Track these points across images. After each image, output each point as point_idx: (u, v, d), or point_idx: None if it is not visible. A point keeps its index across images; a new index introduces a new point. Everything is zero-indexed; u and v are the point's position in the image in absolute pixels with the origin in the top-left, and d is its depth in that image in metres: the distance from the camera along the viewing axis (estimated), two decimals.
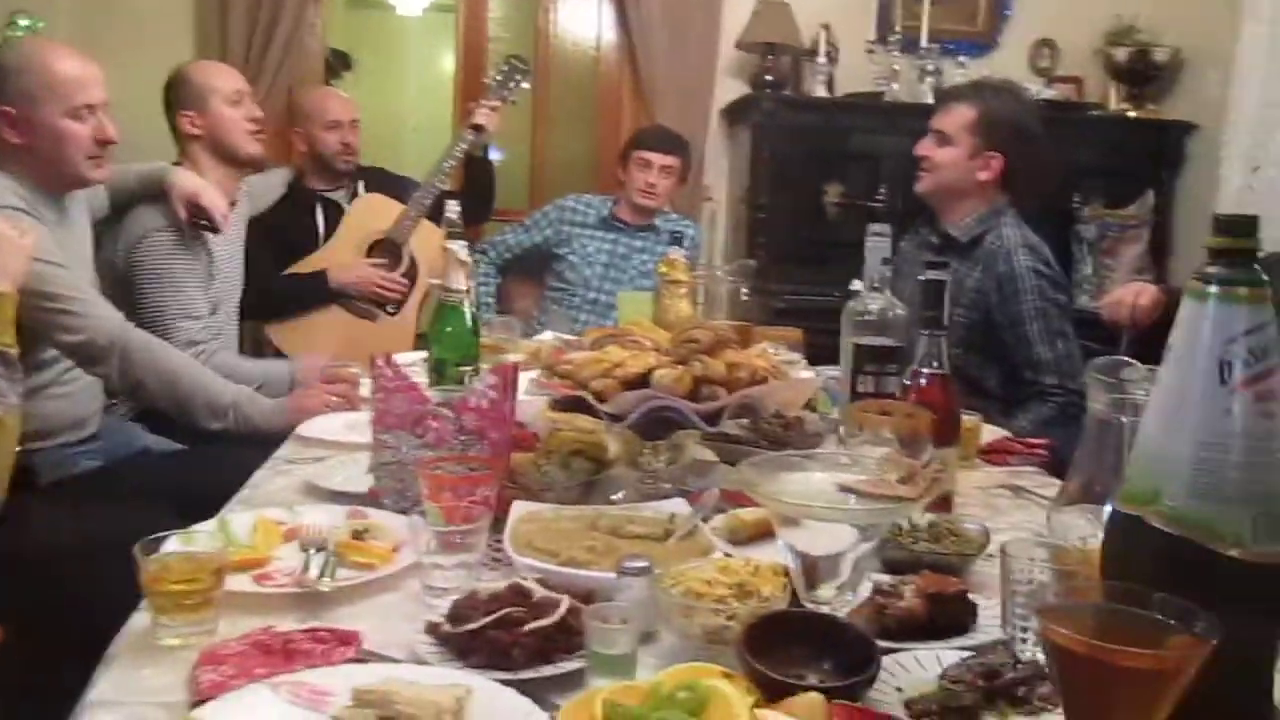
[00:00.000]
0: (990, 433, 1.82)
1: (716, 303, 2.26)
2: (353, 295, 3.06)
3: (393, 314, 3.11)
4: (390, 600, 1.11)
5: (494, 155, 3.44)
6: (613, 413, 1.25)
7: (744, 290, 2.28)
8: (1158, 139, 4.03)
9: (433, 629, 0.96)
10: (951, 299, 2.28)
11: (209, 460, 1.91)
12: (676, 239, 2.41)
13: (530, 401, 1.41)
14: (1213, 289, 0.75)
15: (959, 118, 2.38)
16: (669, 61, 3.99)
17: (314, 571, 1.13)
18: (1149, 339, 2.21)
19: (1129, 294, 2.23)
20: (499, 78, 3.23)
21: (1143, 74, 4.05)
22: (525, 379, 1.37)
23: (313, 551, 1.17)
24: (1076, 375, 2.24)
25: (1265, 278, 0.75)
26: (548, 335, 2.54)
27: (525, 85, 3.25)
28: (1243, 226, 0.76)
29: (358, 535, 1.22)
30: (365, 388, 1.90)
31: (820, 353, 2.13)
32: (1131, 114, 4.06)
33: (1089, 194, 3.92)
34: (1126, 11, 4.10)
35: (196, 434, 2.06)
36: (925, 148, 2.43)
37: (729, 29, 4.03)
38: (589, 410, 1.27)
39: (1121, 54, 4.04)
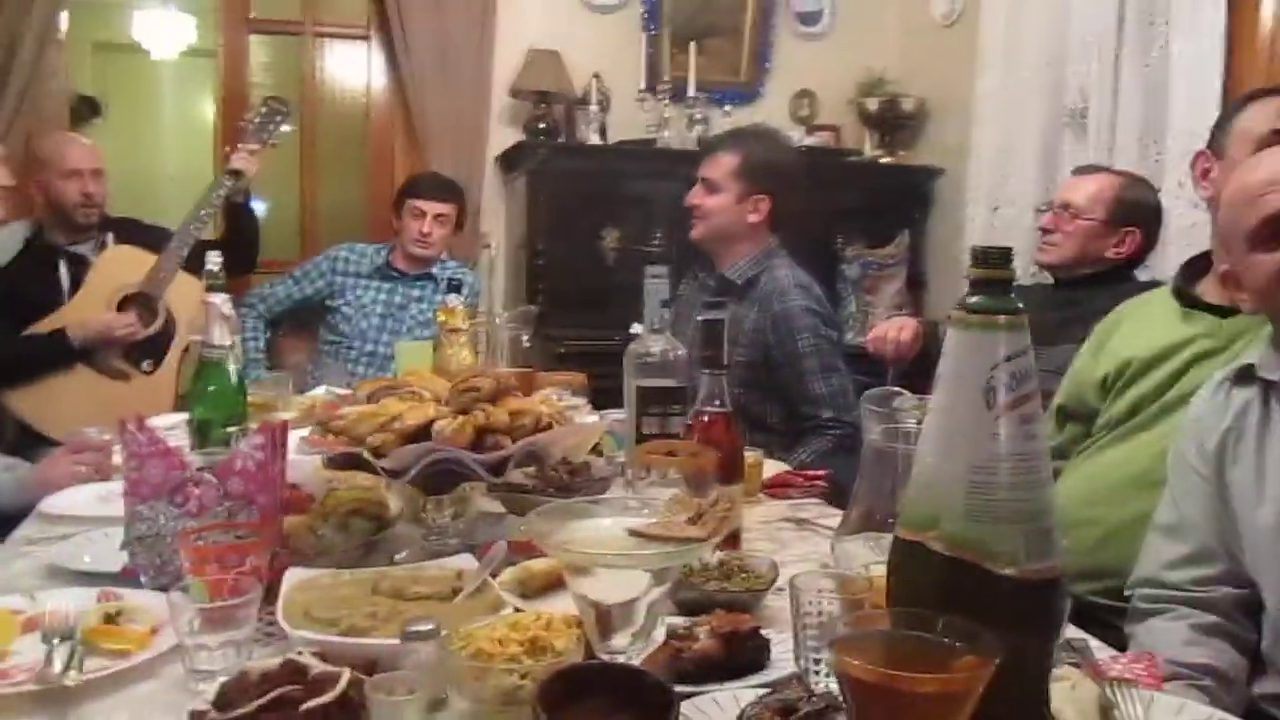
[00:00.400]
0: (771, 467, 1.86)
1: (498, 350, 2.21)
2: (96, 349, 2.83)
3: (148, 372, 2.91)
4: (149, 689, 1.00)
5: (257, 203, 3.29)
6: (392, 468, 1.19)
7: (525, 336, 2.25)
8: (909, 182, 4.31)
9: (198, 718, 0.87)
10: (731, 339, 2.33)
11: None
12: (455, 286, 2.36)
13: (303, 461, 1.33)
14: (975, 318, 0.77)
15: (724, 165, 2.46)
16: (442, 108, 3.95)
17: (57, 665, 1.00)
18: (913, 370, 2.34)
19: (891, 329, 2.35)
20: (258, 120, 3.08)
21: (893, 122, 4.32)
22: (296, 437, 1.29)
23: (56, 642, 1.04)
24: (850, 408, 2.33)
25: (1020, 305, 0.78)
26: (321, 390, 2.43)
27: (286, 128, 3.12)
28: (998, 258, 0.79)
29: (110, 619, 1.10)
30: (118, 455, 1.75)
31: (604, 396, 2.12)
32: (885, 160, 4.32)
33: (850, 235, 4.14)
34: (876, 64, 4.38)
35: None
36: (696, 196, 2.50)
37: (501, 76, 4.03)
38: (366, 467, 1.21)
39: (873, 104, 4.30)
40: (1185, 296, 1.75)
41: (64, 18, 3.72)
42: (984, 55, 3.72)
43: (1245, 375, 1.42)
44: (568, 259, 3.81)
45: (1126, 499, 1.67)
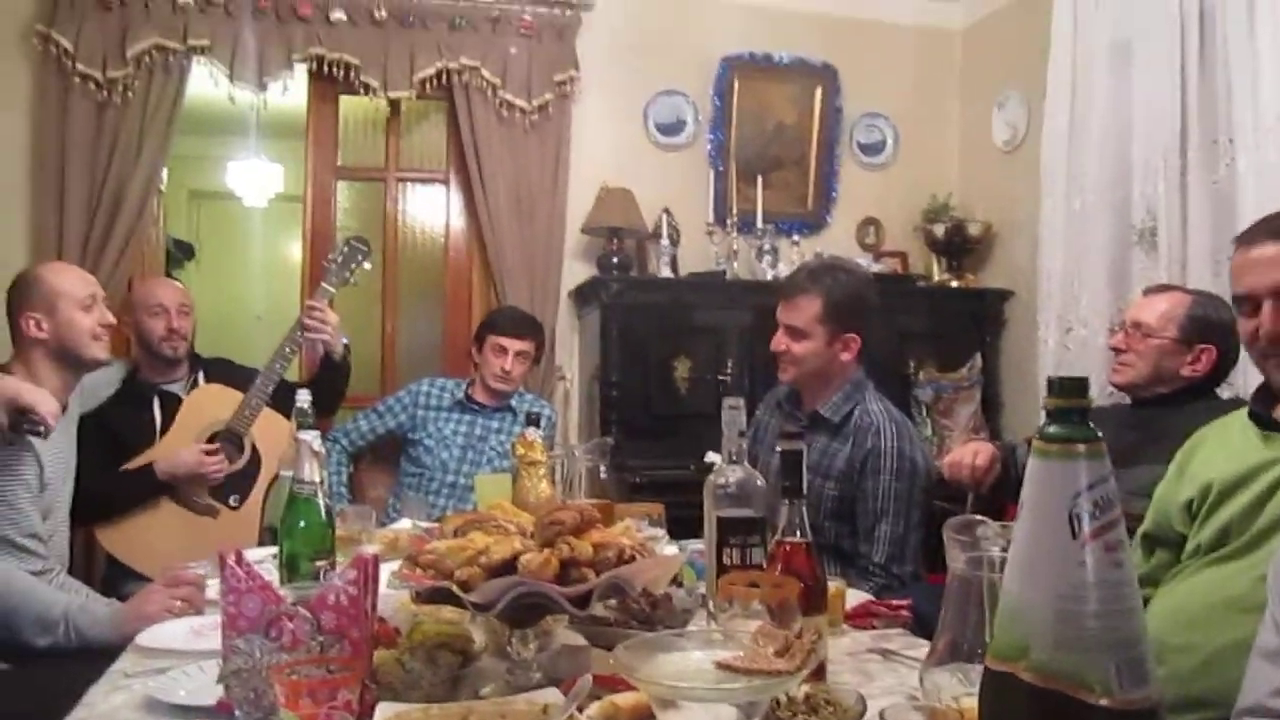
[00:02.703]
0: (854, 596, 1.84)
1: (575, 481, 2.25)
2: (183, 483, 2.91)
3: (235, 507, 2.98)
4: None
5: (343, 340, 3.39)
6: (479, 602, 1.21)
7: (601, 467, 2.28)
8: (979, 305, 4.32)
9: None
10: (824, 474, 2.35)
11: (36, 681, 1.75)
12: (533, 420, 2.41)
13: (390, 595, 1.36)
14: (1054, 448, 0.79)
15: (807, 310, 2.42)
16: (517, 245, 4.09)
17: None
18: (991, 495, 2.32)
19: (967, 454, 2.33)
20: (339, 259, 3.19)
21: (960, 247, 4.36)
22: (385, 571, 1.32)
23: None
24: (903, 561, 2.29)
25: (1099, 433, 0.79)
26: (404, 523, 2.47)
27: (367, 265, 3.22)
28: (1074, 387, 0.80)
29: None
30: (211, 589, 1.79)
31: (680, 525, 2.13)
32: (953, 284, 4.35)
33: (922, 359, 4.14)
34: (940, 190, 4.44)
35: (22, 652, 1.89)
36: (782, 343, 2.46)
37: (575, 213, 4.17)
38: (453, 600, 1.23)
39: (939, 229, 4.36)
40: (1262, 420, 1.73)
41: (165, 169, 3.97)
42: (1047, 179, 3.76)
43: None
44: (640, 390, 3.87)
45: (1225, 624, 1.62)
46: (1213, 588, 1.69)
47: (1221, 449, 1.79)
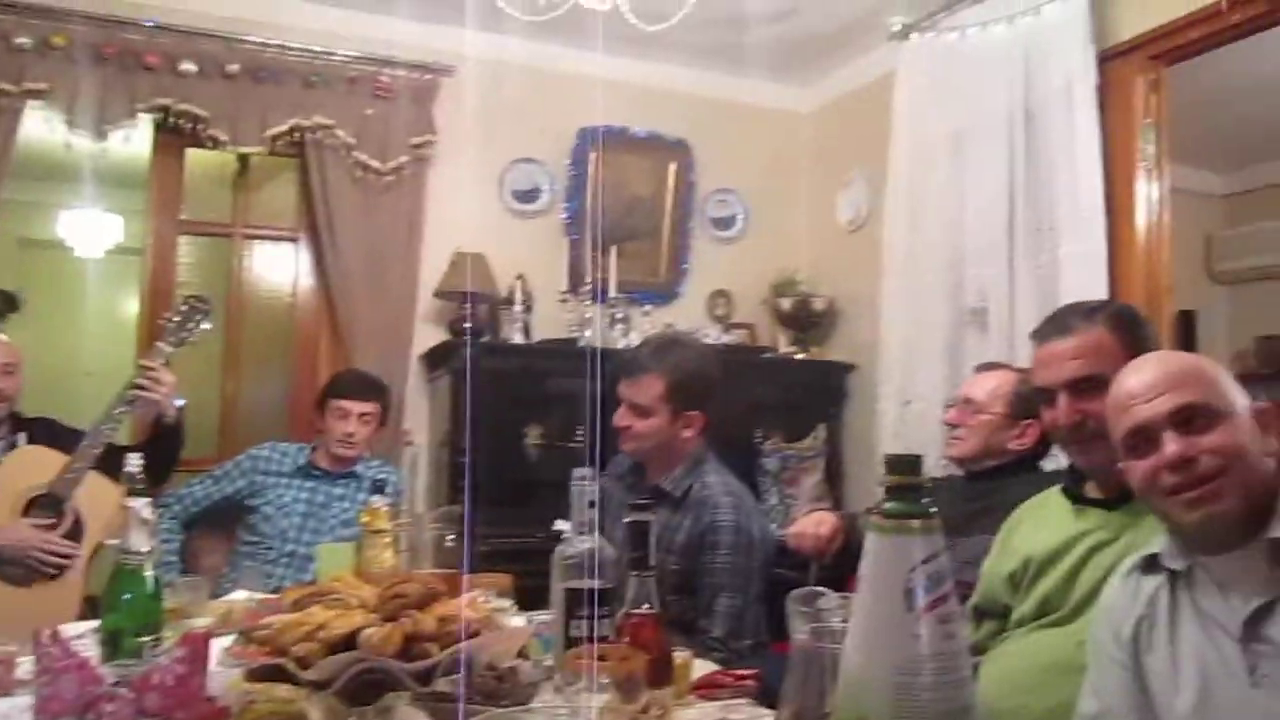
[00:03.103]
0: (700, 667, 1.85)
1: (421, 551, 2.20)
2: (5, 560, 2.72)
3: (54, 576, 2.80)
4: None
5: (178, 403, 3.24)
6: (316, 679, 1.16)
7: (449, 536, 2.24)
8: (824, 378, 4.46)
9: None
10: (665, 548, 2.36)
11: None
12: (378, 486, 2.35)
13: (222, 673, 1.30)
14: (890, 524, 0.82)
15: (650, 389, 2.43)
16: (368, 307, 4.02)
17: None
18: (835, 563, 2.37)
19: (810, 524, 2.38)
20: (177, 318, 3.08)
21: (806, 320, 4.51)
22: (217, 647, 1.26)
23: None
24: (741, 635, 2.30)
25: (934, 509, 0.83)
26: (240, 594, 2.36)
27: (206, 325, 3.10)
28: (909, 465, 0.84)
29: None
30: (22, 668, 1.67)
31: (530, 594, 2.11)
32: (799, 356, 4.48)
33: (769, 429, 4.24)
34: (788, 265, 4.60)
35: None
36: (625, 419, 2.47)
37: (428, 277, 4.13)
38: (289, 678, 1.18)
39: (786, 303, 4.50)
40: (1074, 495, 1.85)
41: None
42: (888, 258, 3.94)
43: (1152, 564, 1.49)
44: (490, 457, 3.82)
45: (1052, 686, 1.69)
46: (1039, 652, 1.77)
47: (1038, 524, 1.90)
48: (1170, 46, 3.23)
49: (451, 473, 3.88)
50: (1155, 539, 1.52)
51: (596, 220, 4.36)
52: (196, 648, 1.18)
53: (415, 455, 4.10)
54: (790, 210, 4.79)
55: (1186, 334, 5.37)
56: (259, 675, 1.23)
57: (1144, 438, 1.42)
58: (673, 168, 4.58)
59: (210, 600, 2.18)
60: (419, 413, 4.17)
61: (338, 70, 4.04)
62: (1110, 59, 3.32)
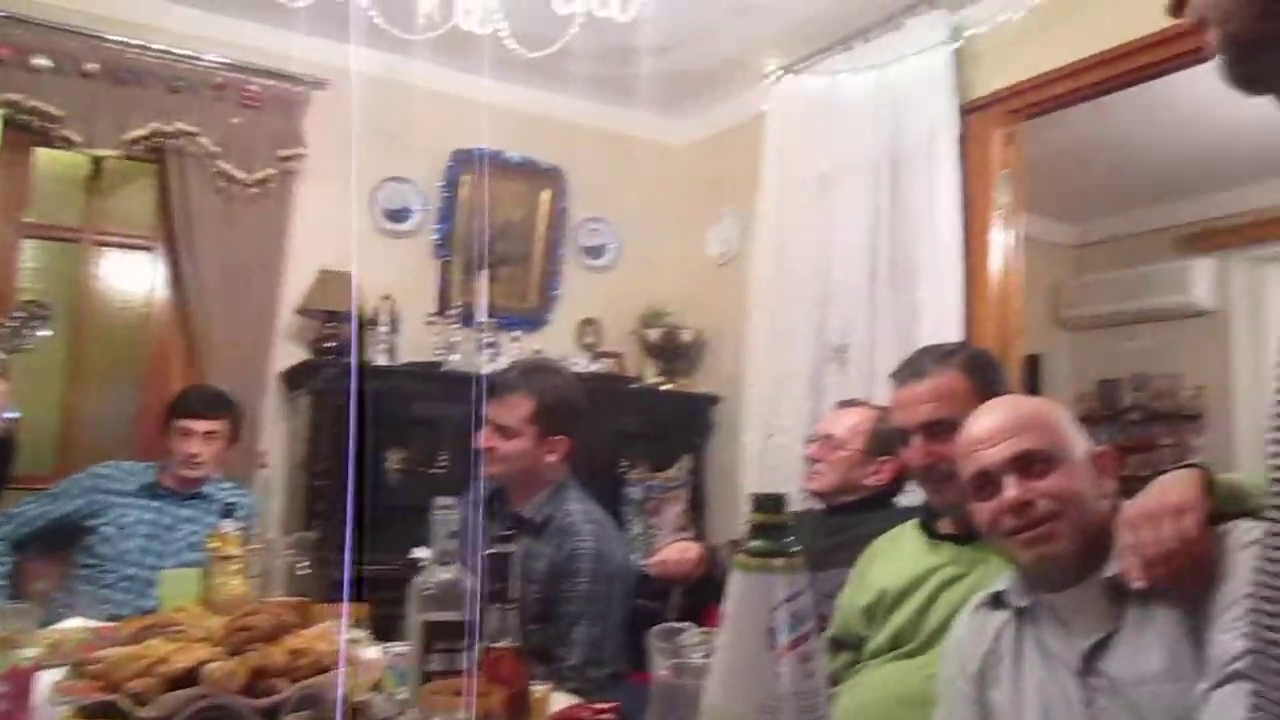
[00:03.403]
0: (560, 699, 1.83)
1: (273, 578, 2.12)
2: None
3: None
4: None
5: (10, 415, 3.05)
6: (153, 717, 1.10)
7: (302, 564, 2.16)
8: (690, 409, 4.51)
9: None
10: (527, 576, 2.33)
11: None
12: (229, 510, 2.26)
13: (49, 711, 1.22)
14: (755, 562, 0.82)
15: (518, 410, 2.42)
16: (226, 323, 3.87)
17: None
18: (695, 591, 2.39)
19: (674, 552, 2.40)
20: (12, 324, 2.90)
21: (673, 351, 4.55)
22: (46, 681, 1.18)
23: None
24: (601, 664, 2.29)
25: (798, 548, 0.84)
26: (74, 622, 2.23)
27: (45, 333, 2.93)
28: (773, 503, 0.85)
29: None
30: None
31: (387, 624, 2.05)
32: (666, 387, 4.51)
33: (635, 459, 4.25)
34: (657, 297, 4.63)
35: None
36: (490, 440, 2.45)
37: (291, 294, 4.01)
38: (123, 717, 1.12)
39: (654, 334, 4.53)
40: (928, 530, 1.92)
41: None
42: (755, 293, 4.02)
43: (999, 600, 1.54)
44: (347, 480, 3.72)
45: (901, 718, 1.74)
46: (891, 683, 1.82)
47: (893, 557, 1.96)
48: (1027, 102, 3.39)
49: (308, 496, 3.76)
50: (1003, 576, 1.57)
51: (471, 243, 4.32)
52: (20, 683, 1.10)
53: (269, 478, 3.96)
54: (661, 242, 4.83)
55: (1033, 377, 5.64)
56: (91, 713, 1.16)
57: (987, 480, 1.49)
58: (546, 194, 4.57)
59: (40, 629, 2.05)
60: (276, 434, 4.04)
61: (204, 76, 3.90)
62: (971, 111, 3.46)
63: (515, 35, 2.84)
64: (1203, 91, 3.66)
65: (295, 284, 4.01)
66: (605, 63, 3.95)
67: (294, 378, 4.00)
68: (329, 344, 3.92)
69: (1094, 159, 4.93)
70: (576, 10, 2.69)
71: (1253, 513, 1.26)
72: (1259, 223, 5.37)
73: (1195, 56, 2.62)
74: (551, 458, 2.45)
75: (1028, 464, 1.46)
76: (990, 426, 1.52)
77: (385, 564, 3.16)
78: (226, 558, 2.01)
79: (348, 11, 2.62)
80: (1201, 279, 5.62)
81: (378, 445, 3.79)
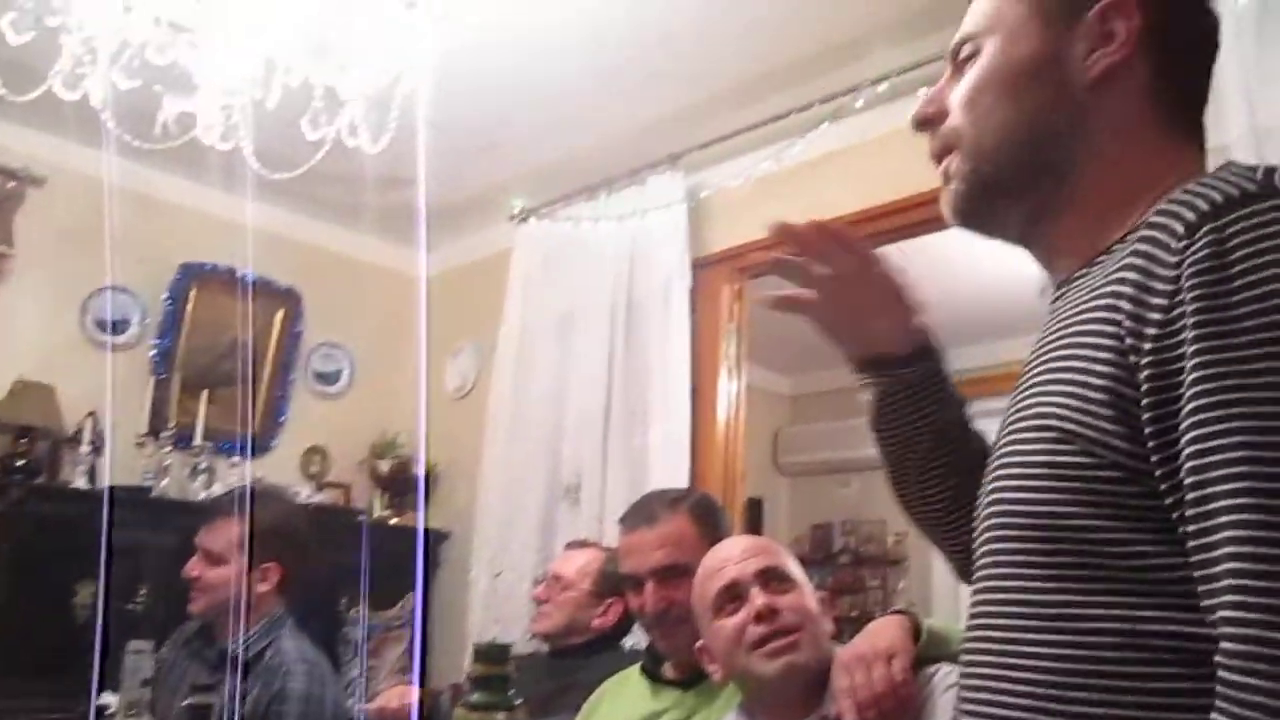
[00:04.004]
0: None
1: None
2: None
3: None
4: None
5: None
6: None
7: None
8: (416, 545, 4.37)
9: None
10: (232, 718, 2.14)
11: None
12: None
13: None
14: (475, 715, 0.80)
15: (227, 533, 2.31)
16: None
17: None
18: None
19: (394, 697, 2.30)
20: None
21: (404, 484, 4.43)
22: None
23: None
24: None
25: (519, 700, 0.83)
26: None
27: None
28: (496, 654, 0.84)
29: None
30: None
31: None
32: (394, 520, 4.37)
33: (356, 595, 4.06)
34: (391, 427, 4.53)
35: None
36: (196, 568, 2.31)
37: None
38: None
39: (385, 465, 4.40)
40: (652, 674, 1.95)
41: None
42: (490, 428, 4.01)
43: None
44: (27, 616, 3.34)
45: None
46: None
47: (618, 702, 1.96)
48: (752, 261, 3.63)
49: None
50: (726, 716, 1.62)
51: (193, 360, 4.08)
52: None
53: None
54: (398, 371, 4.75)
55: (754, 519, 5.88)
56: None
57: (733, 595, 1.57)
58: (279, 315, 4.42)
59: None
60: None
61: None
62: (703, 266, 3.67)
63: (259, 153, 2.77)
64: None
65: None
66: (351, 189, 3.92)
67: None
68: (19, 462, 3.56)
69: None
70: (325, 136, 2.66)
71: (954, 657, 1.36)
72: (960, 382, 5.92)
73: (901, 232, 2.93)
74: (263, 587, 2.32)
75: (772, 580, 1.58)
76: (738, 546, 1.65)
77: (64, 709, 2.87)
78: None
79: (75, 109, 2.48)
80: None
81: (65, 577, 3.43)
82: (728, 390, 3.66)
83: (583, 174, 3.89)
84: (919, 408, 1.09)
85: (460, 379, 4.59)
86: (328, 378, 4.61)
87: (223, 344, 4.25)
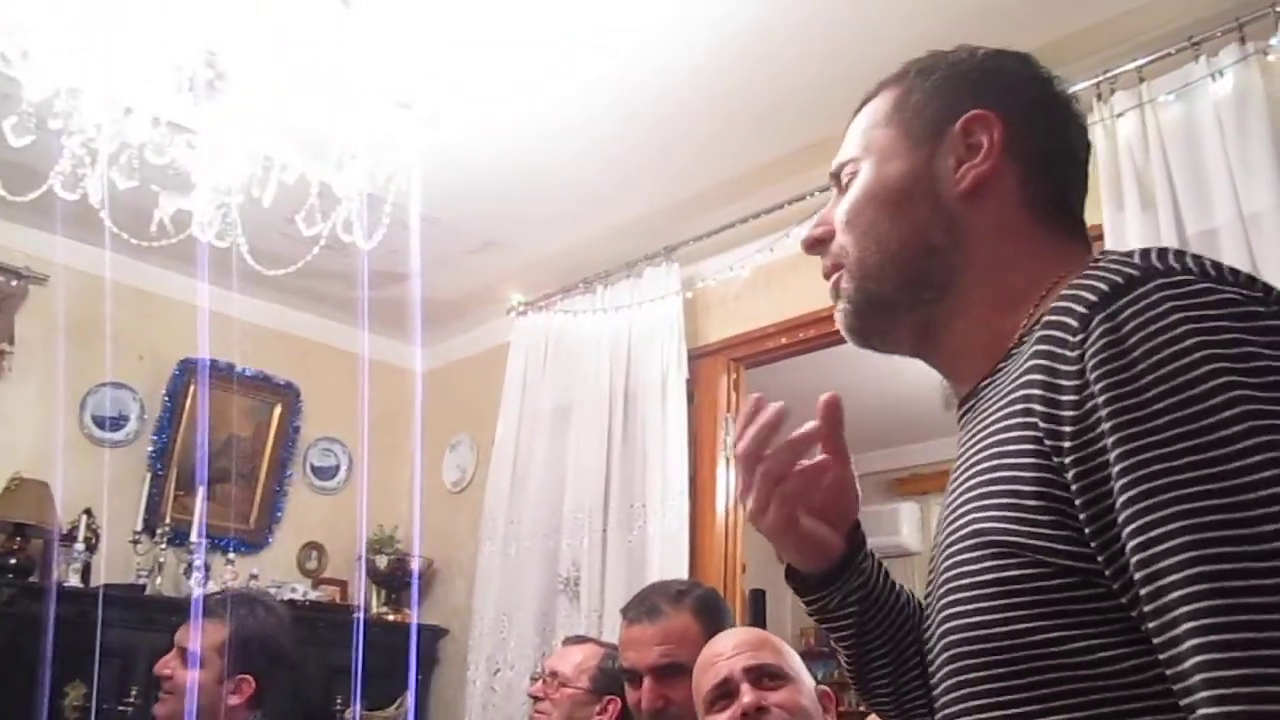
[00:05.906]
0: None
1: None
2: None
3: None
4: None
5: None
6: None
7: None
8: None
9: None
10: None
11: None
12: None
13: None
14: None
15: (207, 635, 2.24)
16: None
17: None
18: None
19: None
20: None
21: (401, 580, 4.38)
22: None
23: None
24: None
25: None
26: None
27: None
28: None
29: None
30: None
31: None
32: (391, 617, 4.31)
33: (351, 694, 3.98)
34: (388, 522, 4.49)
35: None
36: (169, 666, 2.25)
37: None
38: None
39: (382, 561, 4.36)
40: None
41: None
42: (488, 523, 3.97)
43: None
44: (16, 717, 3.28)
45: None
46: None
47: None
48: (748, 352, 3.64)
49: None
50: None
51: (190, 457, 4.07)
52: None
53: None
54: (396, 466, 4.74)
55: (758, 612, 5.79)
56: None
57: (725, 691, 1.57)
58: (278, 410, 4.43)
59: None
60: None
61: None
62: (699, 356, 3.68)
63: (254, 251, 2.81)
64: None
65: None
66: (347, 285, 3.95)
67: None
68: (12, 560, 3.53)
69: (809, 407, 5.29)
70: (320, 232, 2.69)
71: None
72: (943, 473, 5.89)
73: None
74: (235, 699, 2.23)
75: (763, 676, 1.58)
76: (731, 641, 1.65)
77: None
78: None
79: (75, 209, 2.51)
80: (906, 521, 6.05)
81: (56, 678, 3.37)
82: (727, 480, 3.63)
83: (579, 267, 3.93)
84: (866, 605, 1.07)
85: (458, 473, 4.57)
86: (325, 473, 4.59)
87: (221, 440, 4.25)
